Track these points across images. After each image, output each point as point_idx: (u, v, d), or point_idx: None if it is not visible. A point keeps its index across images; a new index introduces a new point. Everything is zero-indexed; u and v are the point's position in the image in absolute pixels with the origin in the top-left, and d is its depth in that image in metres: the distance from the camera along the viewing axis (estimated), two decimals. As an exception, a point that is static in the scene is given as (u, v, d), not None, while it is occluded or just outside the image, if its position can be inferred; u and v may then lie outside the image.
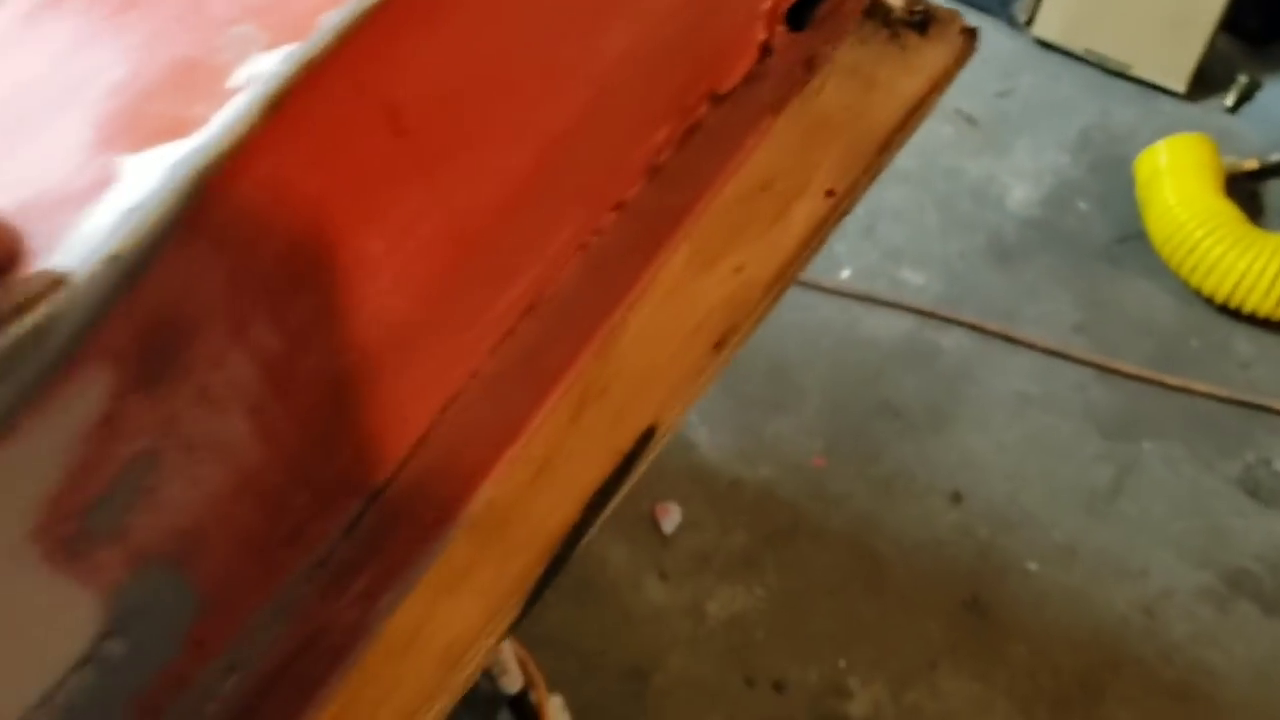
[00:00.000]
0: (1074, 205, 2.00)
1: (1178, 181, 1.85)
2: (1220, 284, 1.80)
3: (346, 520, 0.31)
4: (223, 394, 0.27)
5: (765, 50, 0.40)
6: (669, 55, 0.37)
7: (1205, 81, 2.11)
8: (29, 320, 0.22)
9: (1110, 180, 2.01)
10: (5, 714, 0.25)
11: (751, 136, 0.41)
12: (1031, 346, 1.83)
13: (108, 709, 0.26)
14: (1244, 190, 1.96)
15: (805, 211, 0.54)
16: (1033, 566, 1.64)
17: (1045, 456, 1.74)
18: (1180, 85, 2.09)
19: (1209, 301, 1.84)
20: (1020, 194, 2.02)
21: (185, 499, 0.26)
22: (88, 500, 0.25)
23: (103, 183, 0.25)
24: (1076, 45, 2.14)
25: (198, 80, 0.26)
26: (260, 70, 0.26)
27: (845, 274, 1.93)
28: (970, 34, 0.63)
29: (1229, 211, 1.82)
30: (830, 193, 0.55)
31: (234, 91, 0.26)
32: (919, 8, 0.60)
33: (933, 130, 2.25)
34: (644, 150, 0.38)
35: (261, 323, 0.27)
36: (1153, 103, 2.11)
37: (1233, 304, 1.81)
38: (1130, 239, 1.94)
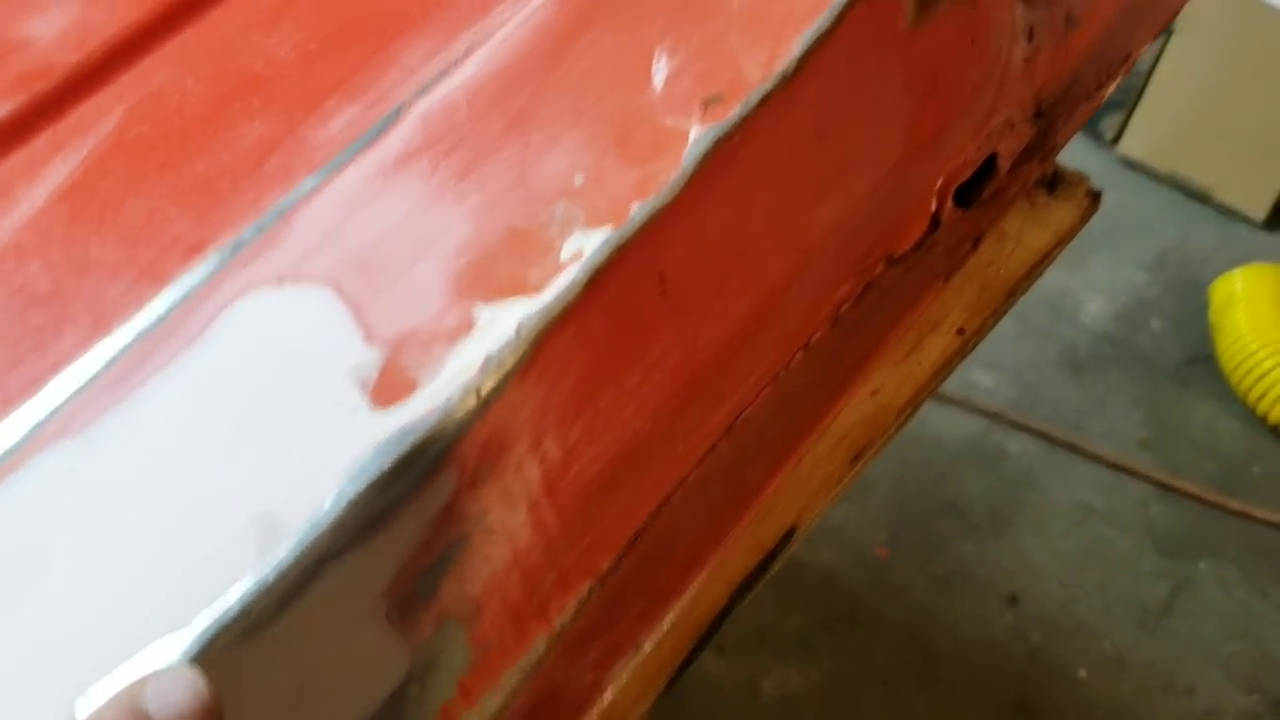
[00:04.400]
0: (1147, 324, 2.05)
1: (1251, 309, 1.90)
2: (1287, 414, 1.84)
3: (579, 598, 0.38)
4: (517, 492, 0.33)
5: (935, 222, 0.47)
6: (860, 225, 0.44)
7: (1285, 213, 2.15)
8: (419, 434, 0.30)
9: (1184, 302, 2.06)
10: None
11: (925, 297, 0.48)
12: (1097, 459, 1.87)
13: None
14: (1315, 324, 2.00)
15: (938, 346, 0.61)
16: (1082, 674, 1.67)
17: (1102, 568, 1.77)
18: (1260, 214, 2.14)
19: (1274, 430, 1.88)
20: (1095, 308, 2.07)
21: (478, 571, 0.33)
22: (421, 569, 0.32)
23: (464, 327, 0.32)
24: (1161, 166, 2.20)
25: (531, 248, 0.34)
26: (585, 247, 0.33)
27: (919, 371, 1.98)
28: (1095, 196, 0.70)
29: (1300, 344, 1.87)
30: (961, 331, 0.62)
31: (565, 263, 0.33)
32: (1049, 169, 0.67)
33: (1013, 238, 2.31)
34: (830, 302, 0.45)
35: (551, 438, 0.34)
36: (1232, 229, 2.16)
37: (1298, 434, 1.85)
38: (1200, 361, 1.99)
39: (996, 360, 2.01)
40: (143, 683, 0.28)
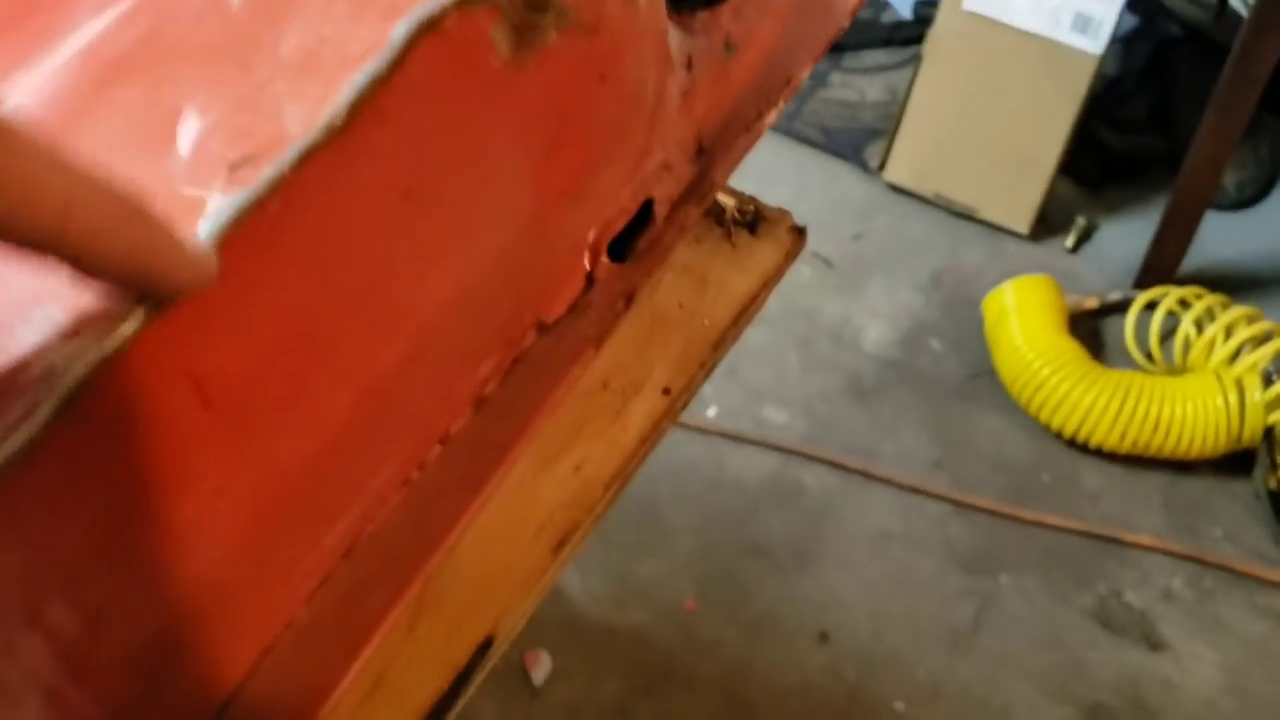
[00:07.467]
0: (927, 345, 2.06)
1: (1024, 321, 1.93)
2: (1067, 420, 1.87)
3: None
4: (14, 684, 0.26)
5: (589, 281, 0.42)
6: (496, 292, 0.38)
7: (1047, 224, 2.21)
8: None
9: (961, 320, 2.09)
10: None
11: (574, 369, 0.42)
12: (891, 483, 1.87)
13: None
14: (1086, 328, 2.05)
15: (643, 409, 0.55)
16: (900, 706, 1.65)
17: (908, 593, 1.76)
18: (1024, 227, 2.19)
19: (1058, 436, 1.91)
20: (875, 334, 2.08)
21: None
22: None
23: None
24: (926, 190, 2.24)
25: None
26: (62, 364, 0.26)
27: (711, 412, 1.95)
28: (800, 232, 0.65)
29: (1073, 350, 1.90)
30: (667, 390, 0.57)
31: (37, 381, 0.26)
32: (749, 207, 0.62)
33: (792, 272, 2.30)
34: (470, 382, 0.38)
35: (58, 606, 0.26)
36: (998, 244, 2.21)
37: (1080, 439, 1.88)
38: (981, 376, 2.01)
39: (786, 395, 1.99)
40: None
